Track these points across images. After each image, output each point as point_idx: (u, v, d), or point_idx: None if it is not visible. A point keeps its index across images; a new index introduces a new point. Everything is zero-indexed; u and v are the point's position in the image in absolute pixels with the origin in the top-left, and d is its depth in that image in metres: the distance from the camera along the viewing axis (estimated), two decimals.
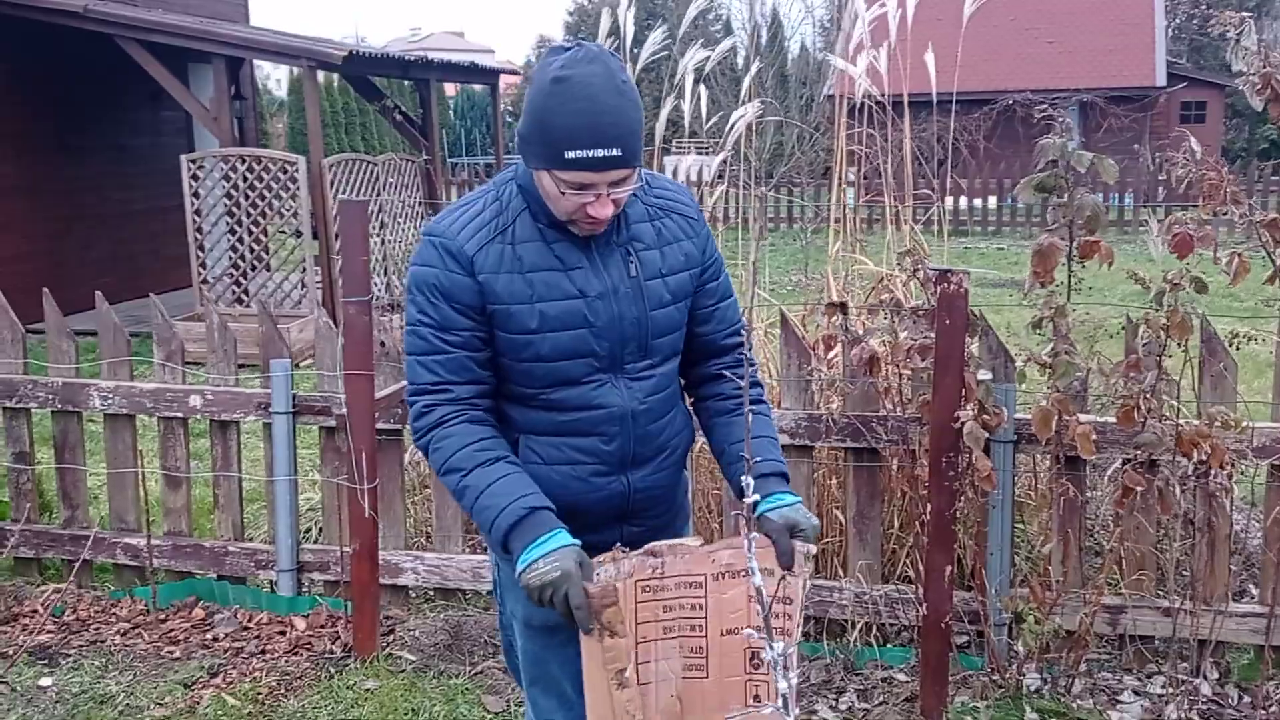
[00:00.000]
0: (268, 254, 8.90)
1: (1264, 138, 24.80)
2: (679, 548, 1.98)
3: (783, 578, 1.93)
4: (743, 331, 2.20)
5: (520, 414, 2.06)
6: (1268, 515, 3.27)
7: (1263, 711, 3.20)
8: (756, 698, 2.02)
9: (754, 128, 5.84)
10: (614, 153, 1.84)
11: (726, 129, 4.46)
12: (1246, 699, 3.27)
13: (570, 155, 1.83)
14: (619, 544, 1.98)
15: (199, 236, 8.72)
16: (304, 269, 8.84)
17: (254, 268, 8.83)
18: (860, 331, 3.48)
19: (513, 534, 1.89)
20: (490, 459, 1.96)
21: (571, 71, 1.83)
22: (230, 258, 8.73)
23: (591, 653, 1.91)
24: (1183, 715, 3.20)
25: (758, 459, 1.98)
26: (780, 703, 1.74)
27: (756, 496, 1.77)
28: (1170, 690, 3.31)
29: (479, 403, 2.01)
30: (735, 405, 2.13)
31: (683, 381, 2.23)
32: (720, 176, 4.78)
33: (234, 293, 8.70)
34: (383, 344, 3.88)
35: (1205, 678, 3.34)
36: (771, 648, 1.72)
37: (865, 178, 4.83)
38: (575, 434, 2.02)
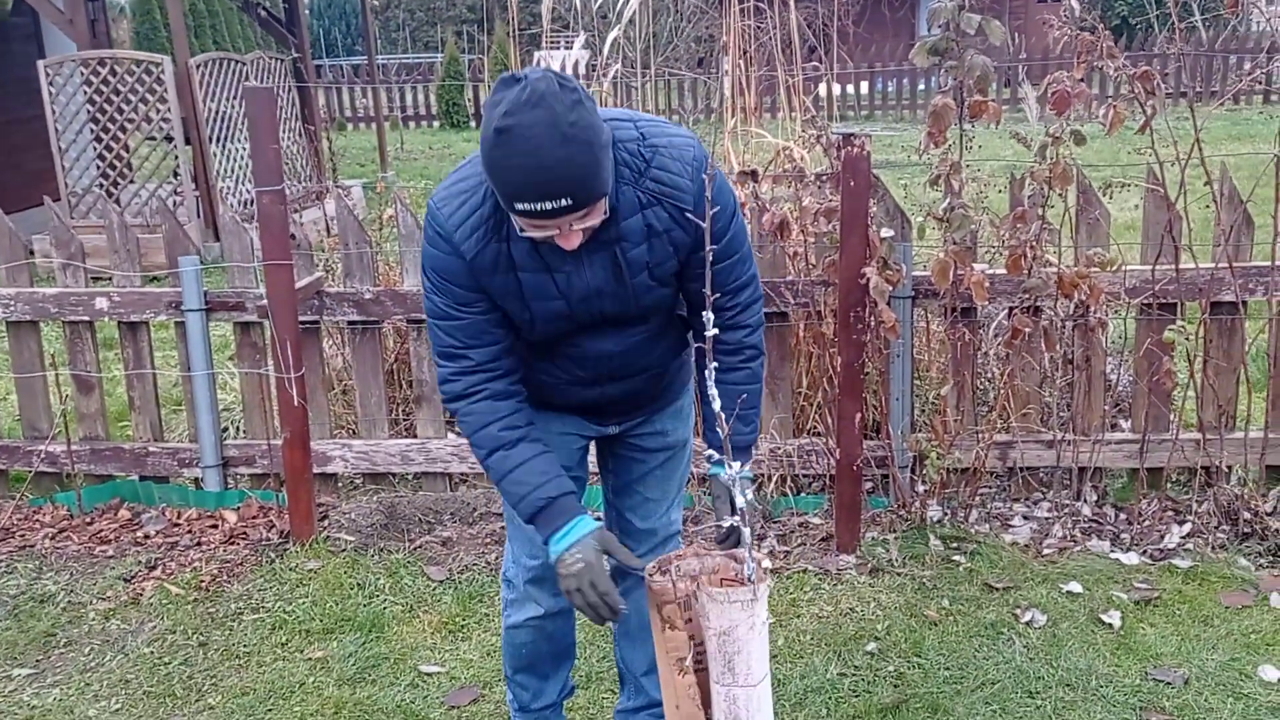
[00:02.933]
0: (136, 162, 8.55)
1: (1116, 14, 25.65)
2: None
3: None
4: (741, 294, 2.15)
5: None
6: (1138, 349, 3.59)
7: (1136, 526, 3.57)
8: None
9: (634, 19, 5.87)
10: (562, 203, 1.79)
11: (614, 16, 4.50)
12: (1123, 516, 3.64)
13: (520, 206, 1.81)
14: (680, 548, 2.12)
15: (62, 146, 8.32)
16: (177, 176, 8.54)
17: (123, 177, 8.49)
18: (768, 200, 3.64)
19: (537, 522, 2.07)
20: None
21: (514, 121, 1.75)
22: (98, 167, 8.37)
23: (659, 642, 2.08)
24: (1066, 533, 3.55)
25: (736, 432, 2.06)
26: (739, 518, 1.92)
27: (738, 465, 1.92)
28: (1055, 513, 3.66)
29: (499, 366, 2.10)
30: (725, 370, 2.11)
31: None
32: (592, 68, 4.82)
33: (104, 203, 8.36)
34: (293, 236, 3.87)
35: (1085, 501, 3.69)
36: (729, 466, 1.90)
37: (752, 62, 4.94)
38: (560, 360, 2.17)
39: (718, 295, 1.98)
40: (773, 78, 4.53)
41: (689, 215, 1.97)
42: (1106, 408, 3.88)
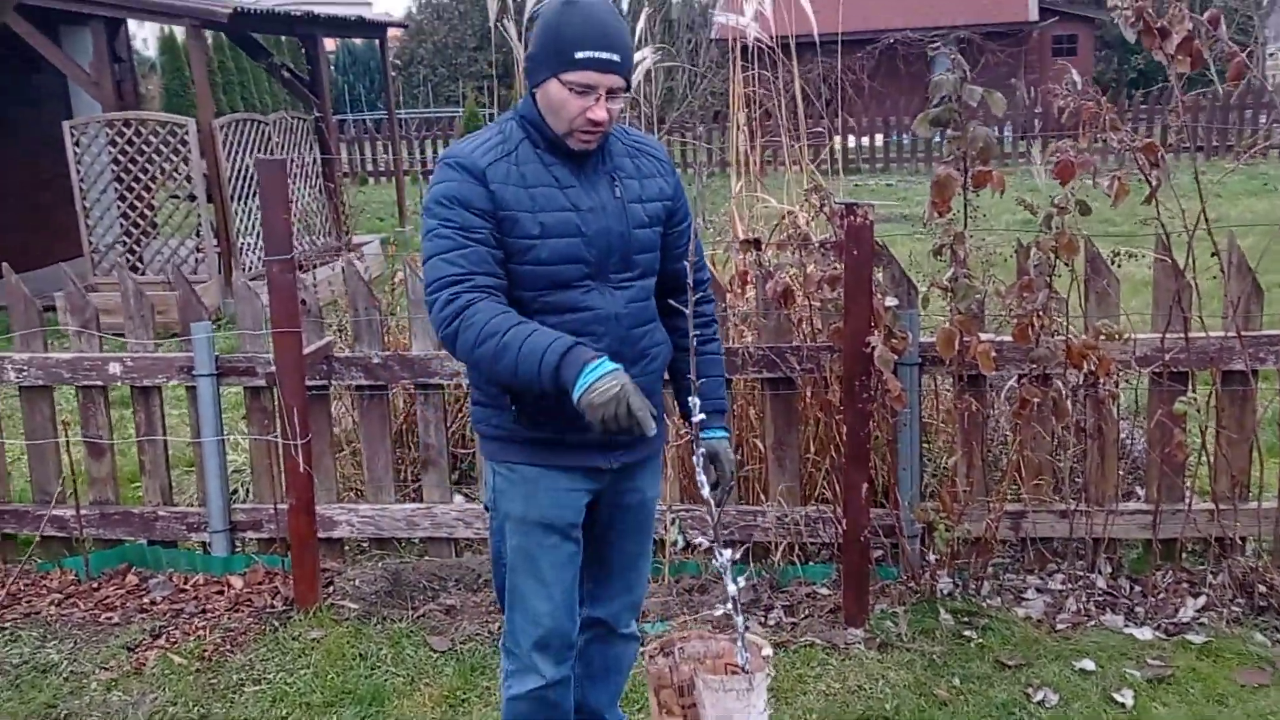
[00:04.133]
0: (159, 220, 8.67)
1: (1133, 68, 25.74)
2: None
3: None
4: (704, 271, 2.43)
5: None
6: (1150, 419, 3.55)
7: (1152, 599, 3.51)
8: None
9: (649, 74, 5.93)
10: (615, 58, 2.14)
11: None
12: (1138, 589, 3.57)
13: (579, 55, 2.12)
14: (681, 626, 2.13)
15: (86, 205, 8.45)
16: (199, 234, 8.65)
17: (146, 235, 8.61)
18: (772, 266, 3.64)
19: (564, 362, 2.04)
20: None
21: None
22: (121, 225, 8.49)
23: None
24: (1081, 607, 3.49)
25: (708, 396, 2.26)
26: (730, 604, 1.90)
27: (702, 415, 1.93)
28: (1069, 585, 3.60)
29: (499, 295, 2.17)
30: (694, 342, 2.29)
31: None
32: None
33: (128, 261, 8.48)
34: (304, 302, 3.90)
35: (1100, 572, 3.63)
36: (720, 554, 1.88)
37: (759, 120, 4.97)
38: (567, 334, 2.17)
39: (685, 265, 2.29)
40: (777, 140, 4.55)
41: (662, 163, 2.37)
42: (1122, 473, 3.83)
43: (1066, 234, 3.21)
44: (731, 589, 1.84)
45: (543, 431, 2.30)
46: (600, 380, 1.99)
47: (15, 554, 4.13)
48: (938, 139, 3.24)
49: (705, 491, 1.96)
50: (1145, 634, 3.31)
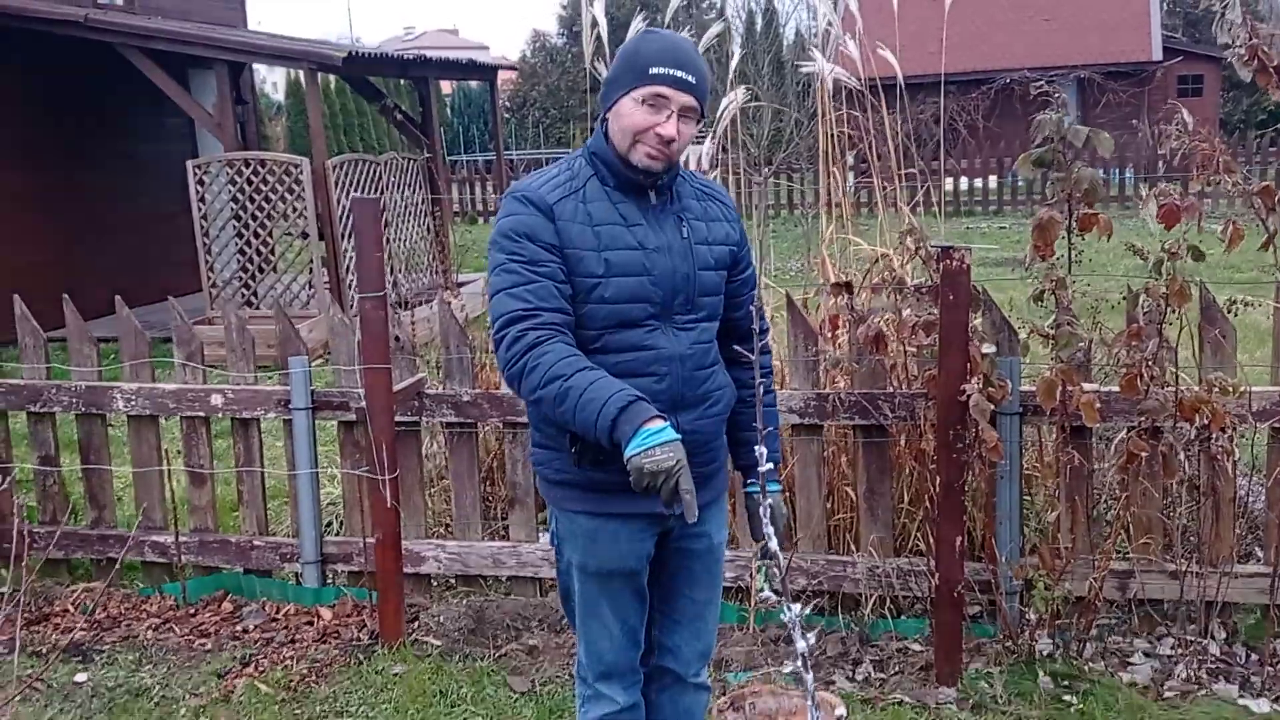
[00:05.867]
0: (274, 256, 8.98)
1: (1261, 108, 24.76)
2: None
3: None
4: (764, 321, 2.44)
5: None
6: (1269, 477, 3.34)
7: (1270, 668, 3.28)
8: None
9: (750, 114, 5.90)
10: (689, 78, 2.17)
11: (715, 116, 4.53)
12: (1254, 657, 3.35)
13: (654, 71, 2.15)
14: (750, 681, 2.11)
15: (206, 241, 8.80)
16: (311, 270, 8.92)
17: (261, 270, 8.92)
18: (865, 311, 3.55)
19: (622, 417, 1.99)
20: (591, 367, 2.09)
21: (659, 29, 2.29)
22: (239, 261, 8.82)
23: None
24: (1192, 674, 3.28)
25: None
26: (799, 661, 1.83)
27: (770, 465, 1.87)
28: (1179, 650, 3.39)
29: (566, 333, 2.15)
30: (750, 395, 2.30)
31: None
32: (715, 163, 4.85)
33: (243, 295, 8.79)
34: (397, 338, 3.96)
35: (1213, 638, 3.42)
36: (789, 609, 1.81)
37: (860, 161, 4.90)
38: (630, 375, 2.17)
39: (743, 314, 2.34)
40: (870, 181, 4.47)
41: (729, 209, 2.39)
42: (1239, 533, 3.61)
43: (1178, 280, 3.05)
44: (800, 645, 1.77)
45: (605, 474, 2.24)
46: (658, 449, 1.94)
47: (119, 577, 4.26)
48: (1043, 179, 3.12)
49: (772, 544, 1.90)
50: (1262, 706, 3.10)
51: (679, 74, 2.16)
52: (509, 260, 2.16)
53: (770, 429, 2.28)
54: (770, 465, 1.96)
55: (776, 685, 2.01)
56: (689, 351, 2.26)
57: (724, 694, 2.57)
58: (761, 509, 1.88)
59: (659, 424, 1.97)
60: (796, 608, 1.77)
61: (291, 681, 3.49)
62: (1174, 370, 3.25)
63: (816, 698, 1.84)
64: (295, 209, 8.78)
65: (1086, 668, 3.34)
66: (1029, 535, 3.75)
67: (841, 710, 1.90)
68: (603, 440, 2.01)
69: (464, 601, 3.98)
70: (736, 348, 2.28)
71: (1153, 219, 3.58)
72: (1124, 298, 3.29)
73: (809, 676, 1.79)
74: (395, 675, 3.50)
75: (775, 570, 1.86)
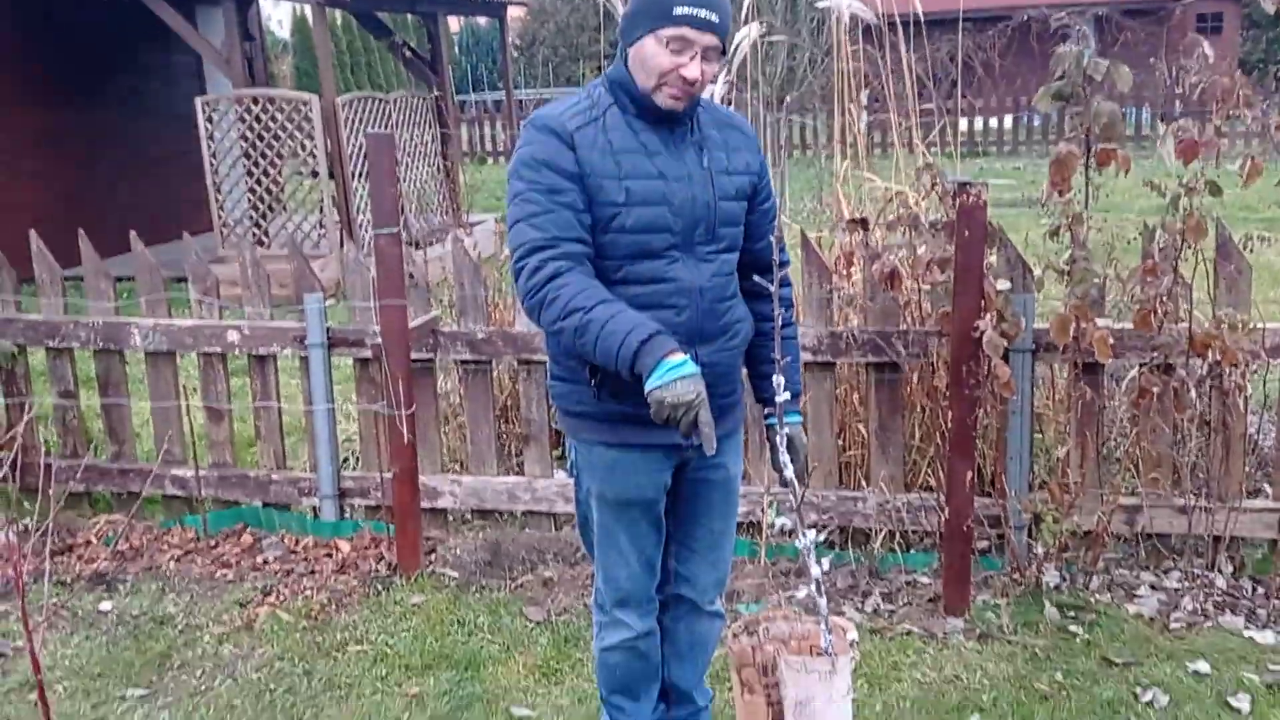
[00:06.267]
0: (284, 196, 8.95)
1: None
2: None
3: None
4: (784, 254, 2.40)
5: None
6: None
7: (1275, 601, 3.32)
8: None
9: (762, 51, 5.84)
10: (713, 17, 2.12)
11: (729, 53, 4.48)
12: (1261, 591, 3.40)
13: (678, 11, 2.11)
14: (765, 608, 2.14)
15: (216, 180, 8.78)
16: (321, 210, 8.90)
17: (271, 210, 8.90)
18: (880, 247, 3.55)
19: (643, 350, 2.00)
20: (611, 299, 2.09)
21: None
22: (249, 200, 8.80)
23: (739, 706, 2.05)
24: (1198, 607, 3.33)
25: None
26: (813, 586, 1.86)
27: (787, 395, 1.88)
28: (1186, 584, 3.44)
29: (586, 264, 2.15)
30: (769, 327, 2.30)
31: None
32: (727, 102, 4.81)
33: (254, 235, 8.78)
34: (411, 275, 3.98)
35: (1220, 572, 3.46)
36: (804, 535, 1.85)
37: (875, 100, 4.85)
38: (651, 307, 2.18)
39: (763, 245, 2.32)
40: (885, 119, 4.43)
41: (749, 138, 2.35)
42: (1249, 470, 3.64)
43: (1195, 216, 3.05)
44: (815, 570, 1.80)
45: (623, 406, 2.27)
46: (678, 382, 1.95)
47: (140, 511, 4.33)
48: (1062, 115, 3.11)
49: (788, 473, 1.92)
50: (1267, 637, 3.15)
51: (703, 14, 2.12)
52: (528, 189, 2.15)
53: (790, 358, 2.31)
54: (788, 395, 1.98)
55: (789, 611, 2.06)
56: (709, 284, 2.26)
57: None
58: (778, 438, 1.91)
59: (679, 357, 1.98)
60: (811, 534, 1.81)
61: (312, 611, 3.57)
62: (1188, 307, 3.25)
63: (829, 622, 1.88)
64: (304, 147, 8.74)
65: (1093, 599, 3.38)
66: (1038, 472, 3.78)
67: (853, 634, 1.94)
68: (623, 373, 2.03)
69: (480, 535, 4.05)
70: (757, 279, 2.29)
71: (1170, 157, 3.57)
72: (1140, 234, 3.29)
73: (822, 601, 1.83)
74: (413, 605, 3.57)
75: (791, 498, 1.89)
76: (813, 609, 2.08)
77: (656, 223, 2.20)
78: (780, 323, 2.21)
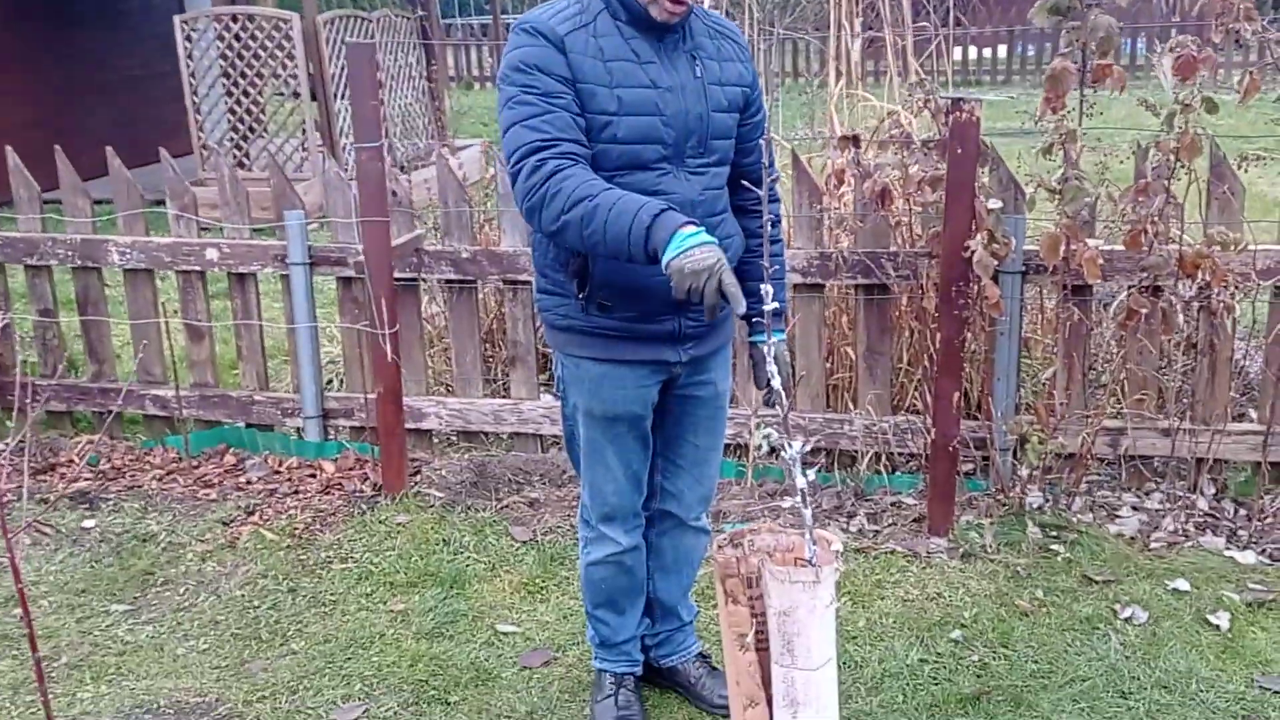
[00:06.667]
0: (265, 117, 8.79)
1: None
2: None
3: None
4: (773, 168, 2.33)
5: None
6: (1269, 334, 3.35)
7: (1256, 523, 3.35)
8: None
9: None
10: None
11: None
12: (1242, 512, 3.42)
13: None
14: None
15: (195, 101, 8.60)
16: (304, 132, 8.75)
17: (252, 131, 8.74)
18: (871, 166, 3.50)
19: (656, 224, 1.94)
20: (614, 187, 2.03)
21: None
22: (229, 121, 8.63)
23: (723, 616, 2.04)
24: (1179, 527, 3.35)
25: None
26: (799, 497, 1.85)
27: (776, 304, 1.85)
28: (1167, 505, 3.46)
29: (585, 163, 2.08)
30: (758, 245, 2.25)
31: None
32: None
33: (235, 157, 8.63)
34: (394, 193, 3.91)
35: (1202, 493, 3.48)
36: (789, 445, 1.83)
37: (868, 28, 4.75)
38: None
39: (760, 165, 2.22)
40: (880, 40, 4.35)
41: (742, 48, 2.30)
42: (1235, 395, 3.64)
43: (1189, 133, 3.00)
44: (800, 481, 1.79)
45: (611, 321, 2.25)
46: (697, 249, 1.89)
47: (121, 430, 4.30)
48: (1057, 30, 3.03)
49: (775, 382, 1.90)
50: (1248, 558, 3.17)
51: None
52: (521, 93, 2.09)
53: (776, 269, 2.27)
54: (776, 305, 1.94)
55: (774, 525, 2.05)
56: (700, 197, 2.22)
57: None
58: (766, 347, 1.88)
59: (693, 229, 1.93)
60: (798, 443, 1.79)
61: (296, 529, 3.56)
62: (1179, 227, 3.22)
63: (814, 533, 1.87)
64: (285, 67, 8.56)
65: (1075, 520, 3.40)
66: (1024, 396, 3.78)
67: (838, 545, 1.94)
68: (635, 254, 1.96)
69: (466, 456, 4.04)
70: (745, 183, 2.25)
71: (1168, 75, 3.50)
72: (1133, 153, 3.24)
73: (807, 512, 1.82)
74: (399, 524, 3.57)
75: (778, 410, 1.87)
76: (798, 521, 2.07)
77: (649, 134, 2.15)
78: (772, 237, 2.16)
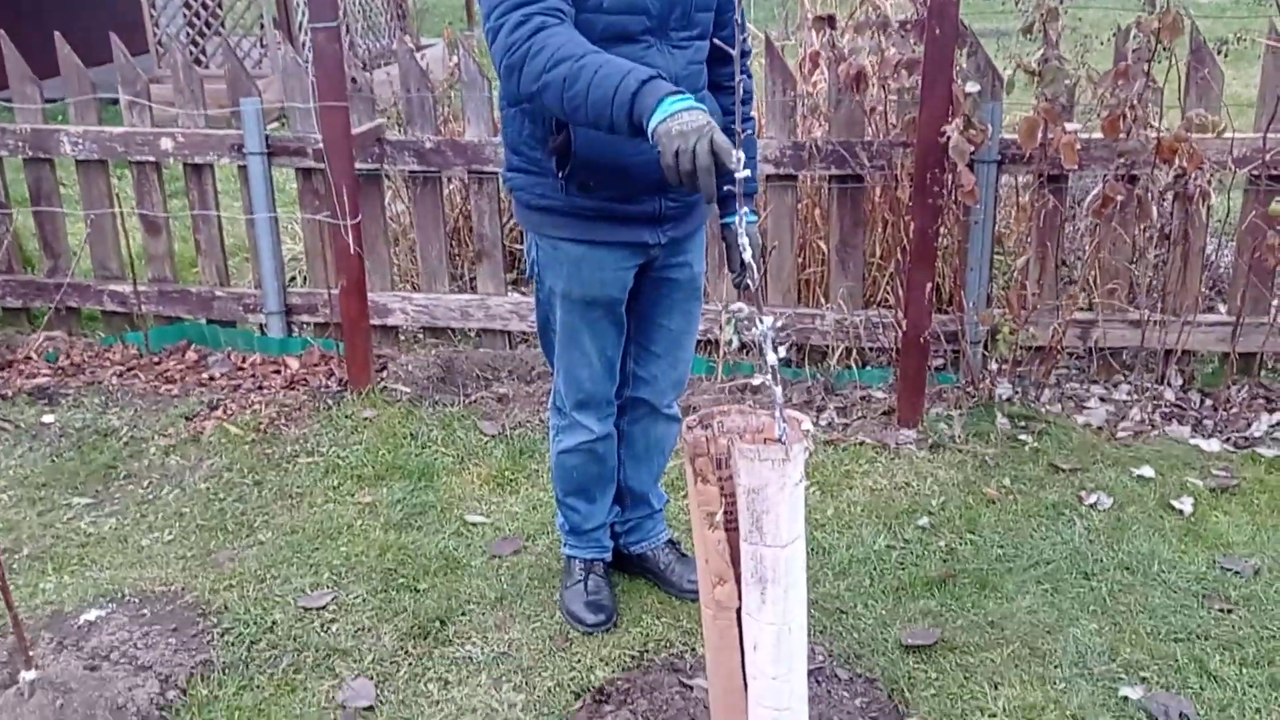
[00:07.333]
0: (222, 11, 8.49)
1: None
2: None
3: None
4: (747, 47, 2.30)
5: None
6: (1242, 221, 3.33)
7: (1222, 412, 3.37)
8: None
9: None
10: None
11: None
12: (1208, 402, 3.43)
13: None
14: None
15: None
16: (261, 27, 8.47)
17: (209, 26, 8.46)
18: (846, 50, 3.41)
19: (643, 90, 1.83)
20: (600, 50, 1.92)
21: None
22: (184, 16, 8.34)
23: (692, 496, 1.99)
24: (1145, 417, 3.37)
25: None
26: (770, 376, 1.82)
27: (748, 171, 1.78)
28: (1135, 396, 3.47)
29: (570, 25, 1.97)
30: (730, 122, 2.15)
31: None
32: None
33: (191, 54, 8.35)
34: (354, 80, 3.78)
35: (1169, 384, 3.49)
36: (760, 322, 1.79)
37: None
38: None
39: (728, 33, 2.17)
40: None
41: None
42: (1204, 289, 3.64)
43: (1171, 13, 2.93)
44: (771, 358, 1.74)
45: (591, 201, 2.18)
46: (685, 112, 1.78)
47: (79, 326, 4.20)
48: None
49: (747, 255, 1.84)
50: (1212, 446, 3.19)
51: None
52: None
53: (751, 157, 2.19)
54: (748, 173, 1.86)
55: (744, 407, 2.02)
56: (684, 72, 2.14)
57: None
58: (737, 218, 1.82)
59: (680, 95, 1.83)
60: (769, 320, 1.74)
61: (260, 424, 3.51)
62: (1158, 111, 3.17)
63: (784, 412, 1.84)
64: None
65: (1043, 410, 3.41)
66: (996, 291, 3.76)
67: (808, 425, 1.91)
68: (618, 120, 1.86)
69: (433, 352, 3.98)
70: (717, 41, 2.17)
71: None
72: (1114, 35, 3.17)
73: (777, 389, 1.78)
74: (365, 419, 3.52)
75: (749, 282, 1.82)
76: (768, 403, 2.04)
77: (634, 4, 2.06)
78: (744, 115, 2.09)
